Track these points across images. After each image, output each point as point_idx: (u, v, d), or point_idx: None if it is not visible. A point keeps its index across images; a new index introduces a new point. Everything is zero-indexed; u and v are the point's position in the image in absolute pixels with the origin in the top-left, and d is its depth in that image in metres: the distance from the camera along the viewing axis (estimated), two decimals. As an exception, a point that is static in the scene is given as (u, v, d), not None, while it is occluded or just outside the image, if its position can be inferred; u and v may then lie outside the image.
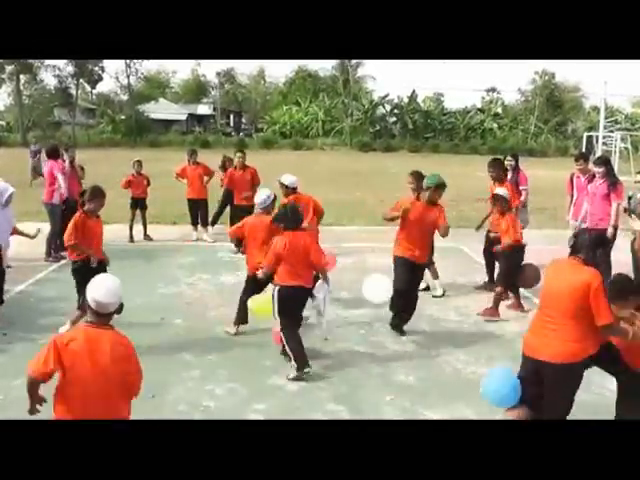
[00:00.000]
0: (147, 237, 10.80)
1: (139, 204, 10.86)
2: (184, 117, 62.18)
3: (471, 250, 9.70)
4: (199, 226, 10.86)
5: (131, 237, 10.63)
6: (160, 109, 57.67)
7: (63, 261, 9.12)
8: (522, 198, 8.39)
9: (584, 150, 29.16)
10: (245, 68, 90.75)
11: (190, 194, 10.85)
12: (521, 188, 8.46)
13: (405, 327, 6.33)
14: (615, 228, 7.45)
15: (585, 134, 35.68)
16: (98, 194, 5.85)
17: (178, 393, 4.89)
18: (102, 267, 5.63)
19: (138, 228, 10.80)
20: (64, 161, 9.66)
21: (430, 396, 4.91)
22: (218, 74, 69.51)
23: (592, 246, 4.05)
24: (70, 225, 5.76)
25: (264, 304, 5.42)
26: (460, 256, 9.70)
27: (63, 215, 9.47)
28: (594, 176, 7.72)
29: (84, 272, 5.34)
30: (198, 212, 10.82)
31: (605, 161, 7.86)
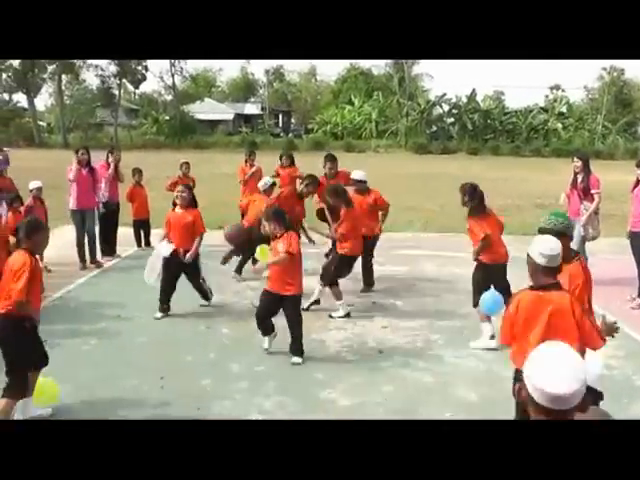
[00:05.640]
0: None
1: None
2: (231, 117, 60.12)
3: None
4: None
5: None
6: (206, 109, 56.04)
7: (107, 265, 9.09)
8: (594, 204, 7.76)
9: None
10: (295, 66, 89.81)
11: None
12: (593, 192, 7.81)
13: (465, 340, 5.99)
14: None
15: (657, 134, 34.00)
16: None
17: (224, 406, 4.70)
18: None
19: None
20: (109, 165, 9.66)
21: (492, 413, 4.51)
22: (267, 72, 67.95)
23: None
24: None
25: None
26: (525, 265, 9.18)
27: (102, 219, 9.55)
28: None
29: None
30: None
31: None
